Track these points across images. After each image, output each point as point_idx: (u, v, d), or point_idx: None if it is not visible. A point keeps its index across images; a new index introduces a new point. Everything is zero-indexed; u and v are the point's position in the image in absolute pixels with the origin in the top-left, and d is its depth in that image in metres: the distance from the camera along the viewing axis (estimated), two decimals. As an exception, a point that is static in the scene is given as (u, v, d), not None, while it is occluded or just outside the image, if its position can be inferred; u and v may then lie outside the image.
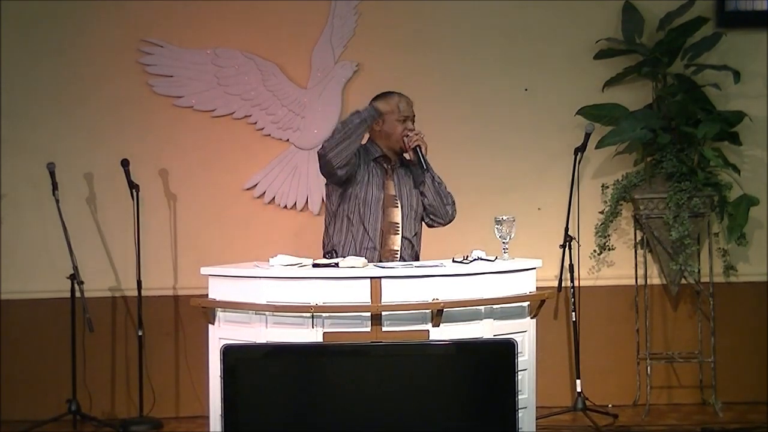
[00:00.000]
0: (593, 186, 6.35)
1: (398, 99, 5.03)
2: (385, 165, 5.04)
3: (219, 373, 4.01)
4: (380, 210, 4.96)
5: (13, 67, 6.29)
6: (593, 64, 6.30)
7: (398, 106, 5.00)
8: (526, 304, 4.55)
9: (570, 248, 5.95)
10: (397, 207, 4.97)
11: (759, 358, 6.29)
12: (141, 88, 6.32)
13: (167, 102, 6.34)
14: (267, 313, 4.31)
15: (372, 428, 3.85)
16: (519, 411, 4.04)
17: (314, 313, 4.26)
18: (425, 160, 4.94)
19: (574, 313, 6.02)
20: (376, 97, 5.04)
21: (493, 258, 4.57)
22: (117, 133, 6.32)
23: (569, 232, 5.95)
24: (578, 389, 5.94)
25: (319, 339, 4.26)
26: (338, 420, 3.87)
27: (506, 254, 4.62)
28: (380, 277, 4.28)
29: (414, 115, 5.02)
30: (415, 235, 5.05)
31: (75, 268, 5.85)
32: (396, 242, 4.94)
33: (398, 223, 4.96)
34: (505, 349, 3.94)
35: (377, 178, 4.99)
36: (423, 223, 5.13)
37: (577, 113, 6.21)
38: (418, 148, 4.94)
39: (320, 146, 4.89)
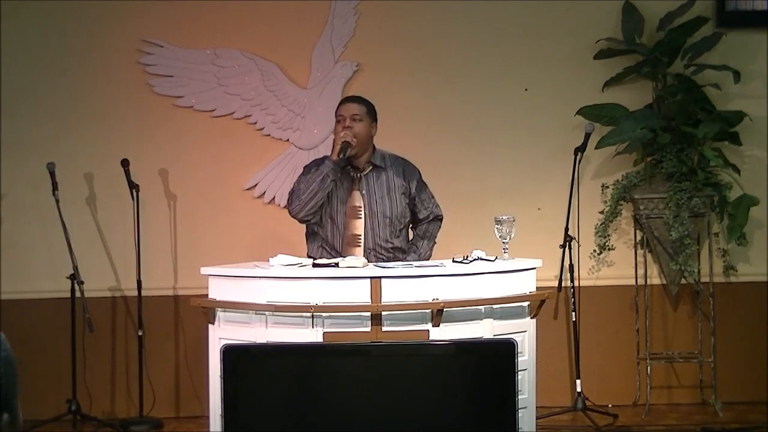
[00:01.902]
0: (593, 186, 6.35)
1: (339, 105, 5.09)
2: (352, 173, 5.01)
3: (219, 373, 4.01)
4: (342, 224, 4.96)
5: (13, 67, 6.29)
6: (593, 64, 6.30)
7: (335, 112, 5.05)
8: (526, 304, 4.55)
9: (570, 248, 5.95)
10: (360, 218, 4.95)
11: (759, 358, 6.29)
12: (141, 88, 6.32)
13: (167, 102, 6.33)
14: (267, 313, 4.32)
15: (372, 428, 3.85)
16: (519, 411, 4.04)
17: (314, 313, 4.26)
18: (344, 155, 4.89)
19: (574, 313, 6.02)
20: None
21: (493, 258, 4.57)
22: (117, 133, 6.31)
23: (569, 232, 5.95)
24: (578, 389, 5.94)
25: (319, 339, 4.26)
26: (338, 420, 3.86)
27: (506, 254, 4.62)
28: (380, 277, 4.29)
29: (353, 114, 4.97)
30: (395, 241, 5.01)
31: (75, 268, 5.85)
32: (357, 254, 4.88)
33: (360, 235, 4.94)
34: (505, 349, 3.93)
35: (342, 191, 4.98)
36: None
37: (577, 113, 6.21)
38: (344, 144, 4.90)
39: (290, 206, 4.99)
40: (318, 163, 5.02)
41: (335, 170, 4.89)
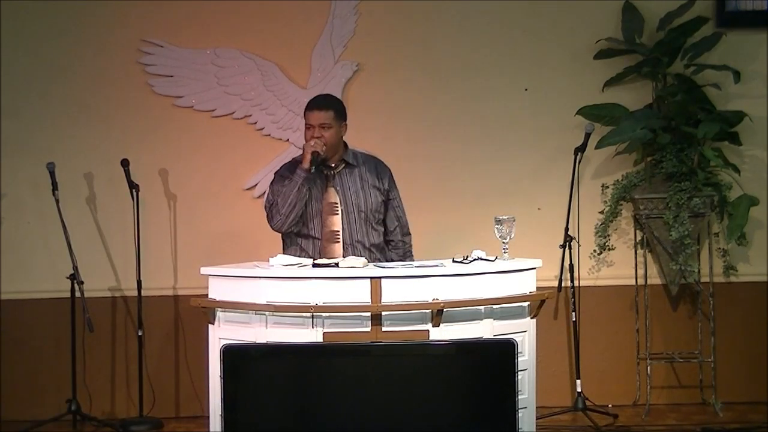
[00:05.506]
0: (593, 186, 6.35)
1: (306, 110, 5.03)
2: (325, 171, 5.02)
3: (219, 373, 4.01)
4: (320, 221, 4.95)
5: (13, 66, 6.29)
6: (593, 64, 6.30)
7: (304, 115, 5.02)
8: (526, 304, 4.55)
9: (570, 248, 5.95)
10: (337, 214, 4.95)
11: (759, 358, 6.29)
12: (141, 88, 6.32)
13: (167, 102, 6.34)
14: (267, 313, 4.32)
15: (372, 428, 3.85)
16: (519, 411, 4.04)
17: (314, 313, 4.26)
18: (315, 164, 4.87)
19: (574, 313, 6.02)
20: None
21: (493, 258, 4.57)
22: (117, 133, 6.32)
23: (569, 232, 5.95)
24: (578, 389, 5.94)
25: (319, 339, 4.26)
26: (338, 420, 3.87)
27: (506, 254, 4.63)
28: (380, 277, 4.29)
29: (321, 123, 4.93)
30: (373, 236, 5.02)
31: (75, 268, 5.84)
32: (337, 251, 4.91)
33: (338, 231, 4.94)
34: (505, 349, 3.94)
35: (316, 190, 4.98)
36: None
37: (577, 113, 6.21)
38: (314, 155, 4.88)
39: (271, 222, 4.97)
40: (290, 168, 4.99)
41: (309, 179, 4.89)
